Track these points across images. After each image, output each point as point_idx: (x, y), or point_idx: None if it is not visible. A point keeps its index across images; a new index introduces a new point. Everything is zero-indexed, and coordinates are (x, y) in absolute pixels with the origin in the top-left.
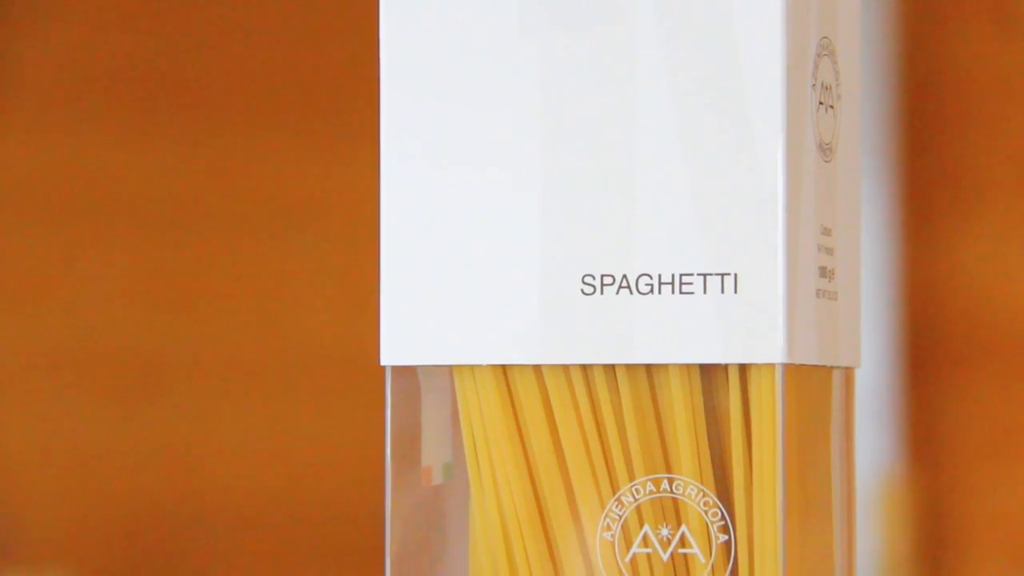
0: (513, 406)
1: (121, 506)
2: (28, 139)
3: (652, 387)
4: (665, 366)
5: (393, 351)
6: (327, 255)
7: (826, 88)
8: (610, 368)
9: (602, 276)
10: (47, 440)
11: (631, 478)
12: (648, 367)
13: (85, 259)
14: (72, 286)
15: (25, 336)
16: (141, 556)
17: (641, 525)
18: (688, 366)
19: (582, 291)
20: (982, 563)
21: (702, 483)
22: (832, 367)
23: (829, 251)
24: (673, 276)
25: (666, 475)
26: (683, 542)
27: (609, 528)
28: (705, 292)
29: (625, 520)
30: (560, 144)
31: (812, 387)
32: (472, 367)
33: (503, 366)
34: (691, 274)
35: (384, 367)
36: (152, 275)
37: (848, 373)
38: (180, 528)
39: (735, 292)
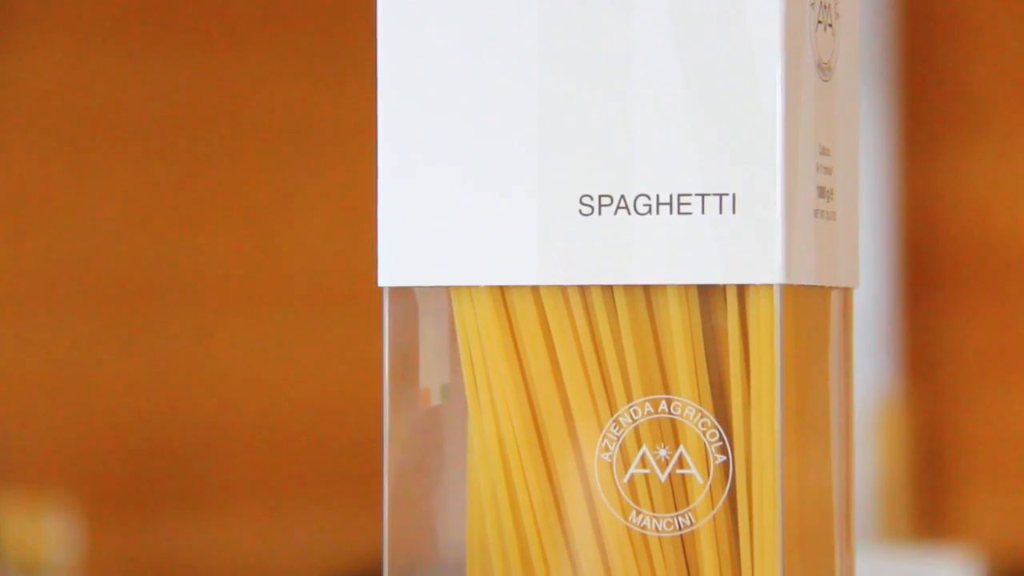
0: (511, 327)
1: (119, 427)
2: (30, 61)
3: (650, 308)
4: (663, 287)
5: (391, 272)
6: (325, 177)
7: (825, 7)
8: (608, 289)
9: (600, 197)
10: (45, 360)
11: (629, 399)
12: (646, 288)
13: (84, 181)
14: (71, 207)
15: (24, 257)
16: (139, 477)
17: (639, 446)
18: (686, 287)
19: (580, 212)
20: (980, 483)
21: (700, 404)
22: (830, 287)
23: (827, 171)
24: (671, 197)
25: (664, 396)
26: (681, 463)
27: (607, 449)
28: (703, 212)
29: (623, 441)
30: (558, 66)
31: (810, 308)
32: (470, 288)
33: (501, 287)
34: (689, 194)
35: (382, 288)
36: (151, 196)
37: (846, 294)
38: (178, 449)
39: (733, 212)
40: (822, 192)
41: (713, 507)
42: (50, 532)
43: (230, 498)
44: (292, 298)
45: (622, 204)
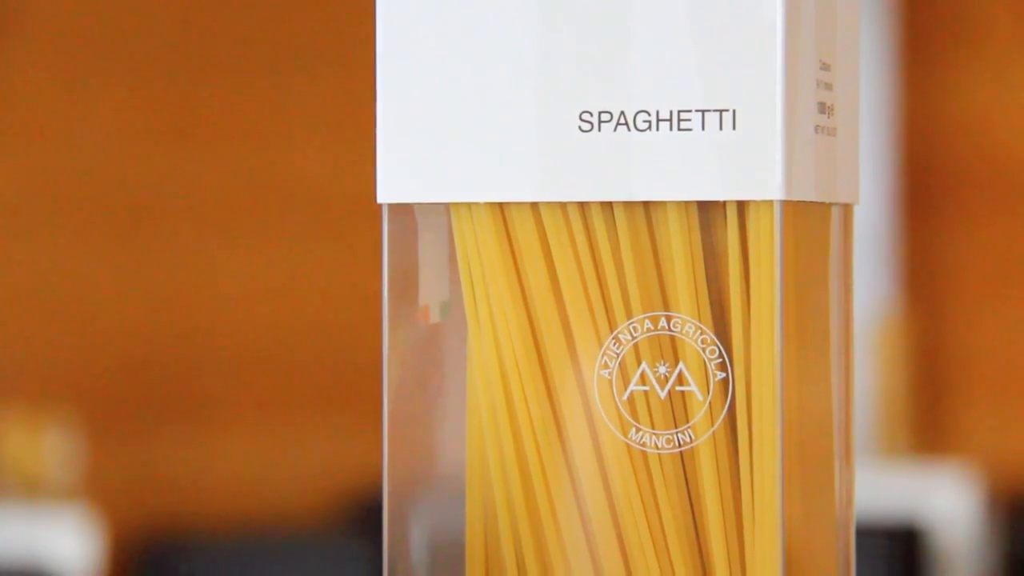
0: (510, 244)
1: (119, 344)
2: None
3: (650, 225)
4: (663, 204)
5: (390, 189)
6: (325, 93)
7: None
8: (608, 206)
9: (600, 113)
10: (46, 278)
11: (629, 316)
12: (646, 204)
13: (84, 97)
14: (73, 126)
15: (24, 175)
16: (139, 393)
17: (639, 363)
18: (686, 203)
19: (580, 128)
20: (978, 399)
21: (700, 321)
22: (831, 204)
23: (828, 86)
24: (671, 113)
25: (664, 313)
26: (680, 380)
27: (607, 366)
28: (703, 129)
29: (623, 358)
30: None
31: (810, 224)
32: (469, 205)
33: (500, 204)
34: (689, 111)
35: (381, 205)
36: (151, 114)
37: (847, 210)
38: (177, 366)
39: (733, 129)
40: (822, 108)
41: (713, 424)
42: (50, 448)
43: (230, 415)
44: (291, 216)
45: (622, 120)
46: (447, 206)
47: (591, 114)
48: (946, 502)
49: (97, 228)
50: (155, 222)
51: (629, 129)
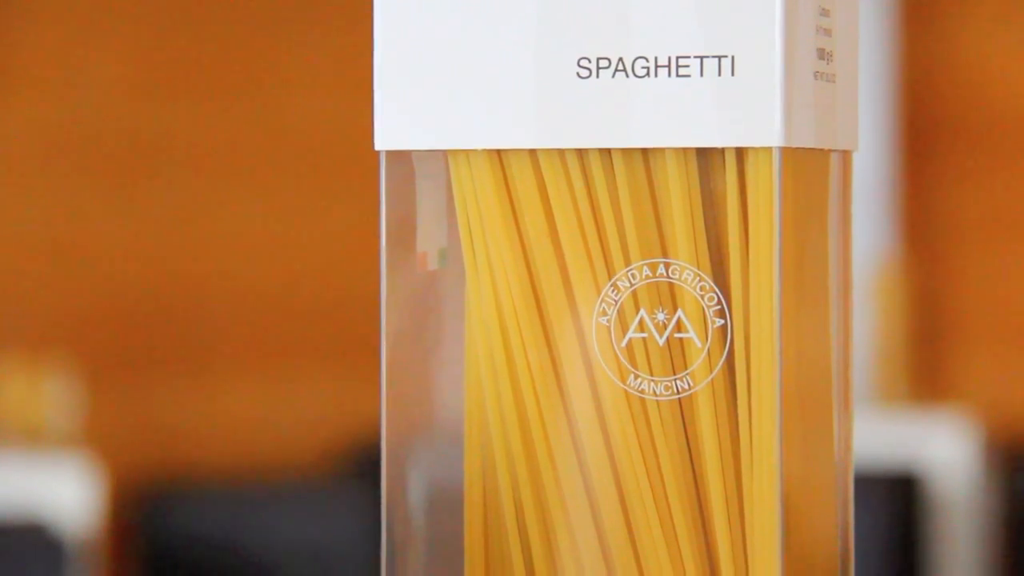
0: (508, 191)
1: (120, 292)
2: None
3: (648, 172)
4: (661, 150)
5: (388, 136)
6: (323, 41)
7: None
8: (606, 152)
9: (598, 59)
10: (46, 226)
11: (627, 263)
12: (644, 151)
13: (85, 46)
14: (73, 73)
15: (24, 123)
16: (139, 342)
17: (637, 310)
18: (685, 150)
19: (578, 75)
20: (977, 347)
21: (698, 268)
22: (829, 150)
23: (827, 32)
24: (670, 59)
25: (662, 259)
26: (679, 326)
27: (605, 313)
28: (702, 75)
29: (621, 305)
30: None
31: (809, 171)
32: (467, 152)
33: (498, 150)
34: (688, 56)
35: (379, 152)
36: (152, 63)
37: (846, 156)
38: (177, 315)
39: (732, 75)
40: (821, 54)
41: (711, 371)
42: (50, 396)
43: (229, 362)
44: (290, 164)
45: (620, 67)
46: (445, 153)
47: (589, 60)
48: (944, 449)
49: (97, 177)
50: (155, 171)
51: (628, 76)
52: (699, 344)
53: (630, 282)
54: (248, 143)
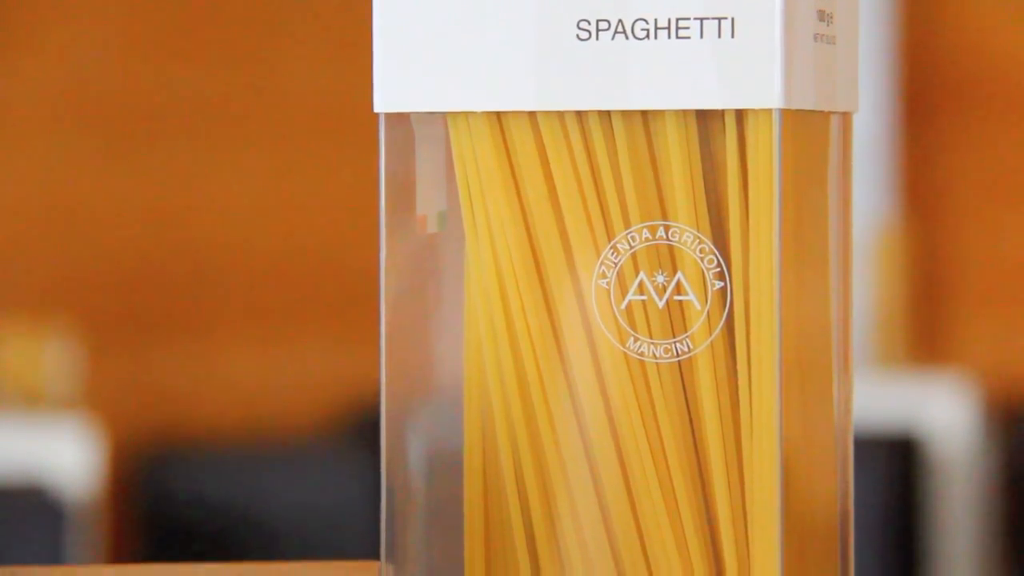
0: (508, 153)
1: (119, 256)
2: None
3: (648, 134)
4: (661, 112)
5: (387, 98)
6: (322, 3)
7: None
8: (605, 115)
9: (597, 21)
10: (46, 189)
11: (627, 225)
12: (644, 113)
13: (83, 11)
14: (71, 37)
15: (24, 86)
16: (139, 305)
17: (637, 272)
18: (684, 112)
19: (577, 36)
20: (977, 309)
21: (698, 230)
22: (829, 112)
23: None
24: (669, 21)
25: (662, 222)
26: (679, 289)
27: (604, 275)
28: (702, 37)
29: (621, 267)
30: None
31: (809, 133)
32: (466, 114)
33: (497, 113)
34: (688, 18)
35: (378, 115)
36: (150, 26)
37: (845, 118)
38: (177, 278)
39: (732, 36)
40: (822, 16)
41: (711, 333)
42: (50, 359)
43: (229, 326)
44: (289, 128)
45: (620, 28)
46: (444, 116)
47: (589, 22)
48: (943, 412)
49: (98, 140)
50: (156, 134)
51: (627, 37)
52: (699, 307)
53: (630, 245)
54: (248, 106)
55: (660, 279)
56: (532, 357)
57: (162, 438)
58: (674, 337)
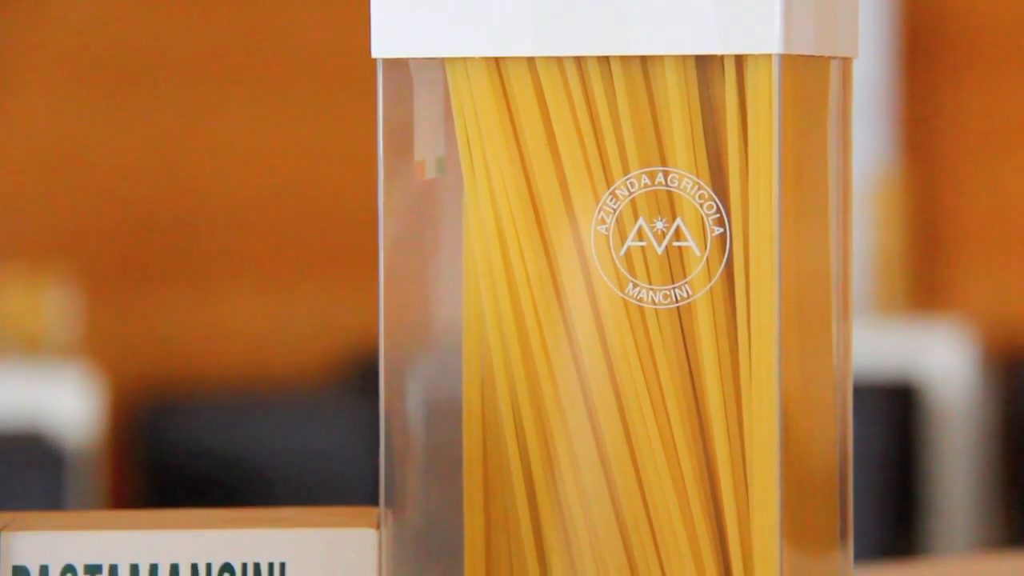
0: (506, 99)
1: (118, 202)
2: None
3: (647, 79)
4: (660, 58)
5: (385, 43)
6: None
7: None
8: (604, 60)
9: None
10: (45, 136)
11: (626, 171)
12: (643, 59)
13: None
14: None
15: (23, 34)
16: (138, 252)
17: (636, 218)
18: (684, 57)
19: None
20: (975, 257)
21: (697, 176)
22: (829, 57)
23: None
24: None
25: (661, 168)
26: (678, 235)
27: (603, 221)
28: None
29: (620, 213)
30: None
31: (809, 78)
32: (465, 59)
33: (496, 58)
34: None
35: (376, 60)
36: None
37: (845, 64)
38: (176, 224)
39: None
40: None
41: (710, 279)
42: (50, 306)
43: (228, 272)
44: (288, 75)
45: None
46: (442, 61)
47: None
48: (942, 359)
49: (96, 86)
50: (153, 81)
51: None
52: (698, 253)
53: (629, 191)
54: (245, 53)
55: (659, 225)
56: (531, 303)
57: (162, 384)
58: (673, 283)
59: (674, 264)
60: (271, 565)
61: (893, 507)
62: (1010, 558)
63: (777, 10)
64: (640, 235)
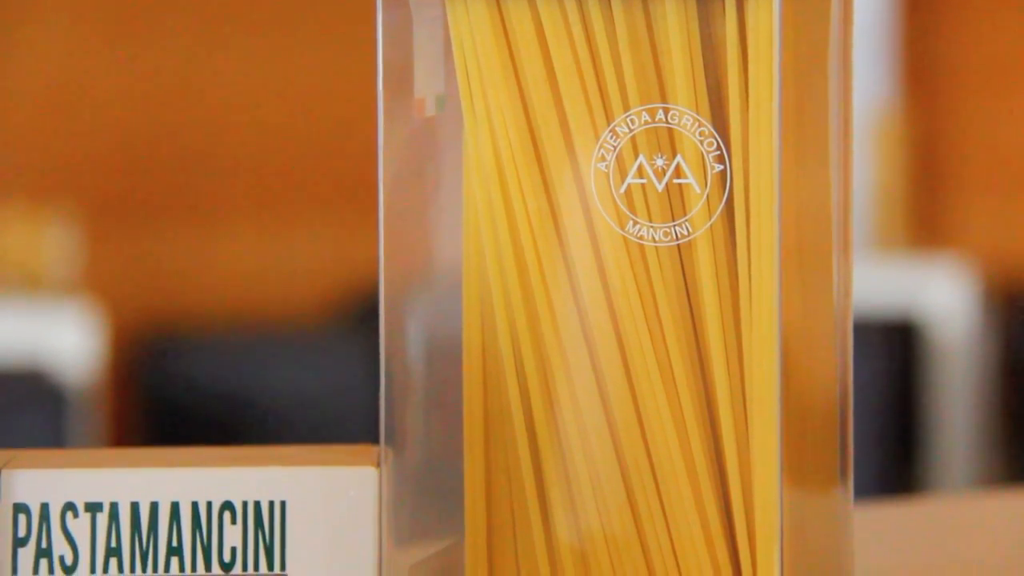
0: (506, 36)
1: (120, 140)
2: None
3: (647, 16)
4: None
5: None
6: None
7: None
8: None
9: None
10: (46, 74)
11: (626, 108)
12: None
13: None
14: None
15: None
16: (139, 190)
17: (636, 155)
18: None
19: None
20: (976, 194)
21: (698, 113)
22: None
23: None
24: None
25: (661, 105)
26: (678, 172)
27: (603, 158)
28: None
29: (620, 150)
30: None
31: (809, 13)
32: None
33: None
34: None
35: None
36: None
37: None
38: (177, 162)
39: None
40: None
41: (710, 216)
42: (50, 243)
43: (228, 210)
44: (289, 11)
45: None
46: None
47: None
48: (942, 295)
49: (96, 24)
50: (154, 18)
51: None
52: (698, 190)
53: (629, 128)
54: None
55: (659, 162)
56: (531, 241)
57: (162, 322)
58: (673, 220)
59: (674, 201)
60: (271, 503)
61: (893, 443)
62: (1010, 495)
63: None
64: (640, 172)
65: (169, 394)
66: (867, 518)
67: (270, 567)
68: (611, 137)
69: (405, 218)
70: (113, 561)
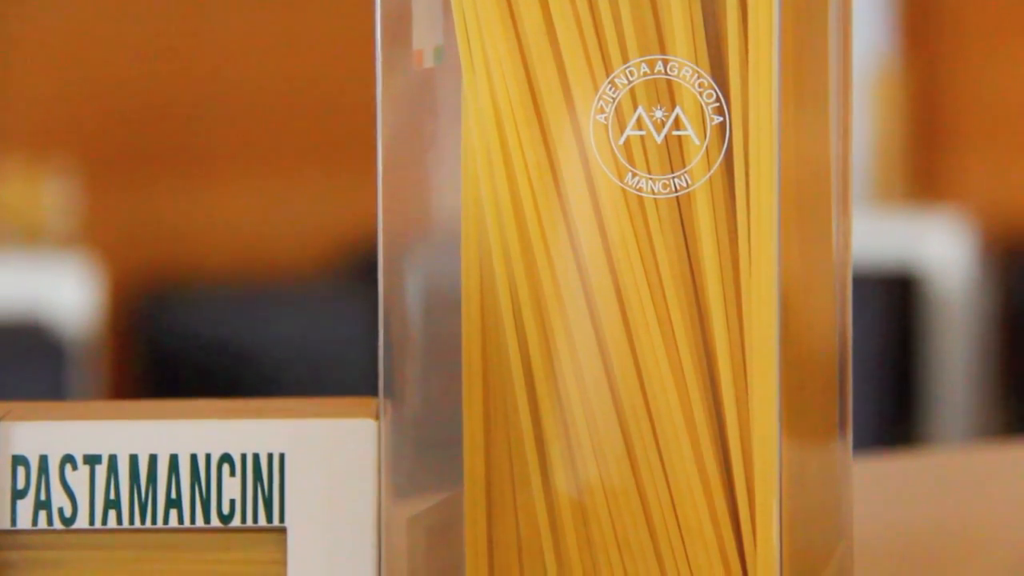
0: None
1: (117, 93)
2: None
3: None
4: None
5: None
6: None
7: None
8: None
9: None
10: (43, 27)
11: (625, 60)
12: None
13: None
14: None
15: None
16: (137, 144)
17: (635, 107)
18: None
19: None
20: (975, 146)
21: (697, 64)
22: None
23: None
24: None
25: (660, 56)
26: (677, 124)
27: (602, 110)
28: None
29: (619, 102)
30: None
31: None
32: None
33: None
34: None
35: None
36: None
37: None
38: (176, 116)
39: None
40: None
41: (709, 168)
42: (49, 196)
43: (227, 164)
44: None
45: None
46: None
47: None
48: (941, 248)
49: None
50: None
51: None
52: (697, 141)
53: (628, 79)
54: None
55: (658, 114)
56: (530, 193)
57: (162, 275)
58: (672, 172)
59: (673, 153)
60: (270, 455)
61: (892, 396)
62: (1008, 447)
63: None
64: (639, 124)
65: (168, 347)
66: (866, 470)
67: (269, 519)
68: (610, 89)
69: (404, 171)
70: (112, 513)
